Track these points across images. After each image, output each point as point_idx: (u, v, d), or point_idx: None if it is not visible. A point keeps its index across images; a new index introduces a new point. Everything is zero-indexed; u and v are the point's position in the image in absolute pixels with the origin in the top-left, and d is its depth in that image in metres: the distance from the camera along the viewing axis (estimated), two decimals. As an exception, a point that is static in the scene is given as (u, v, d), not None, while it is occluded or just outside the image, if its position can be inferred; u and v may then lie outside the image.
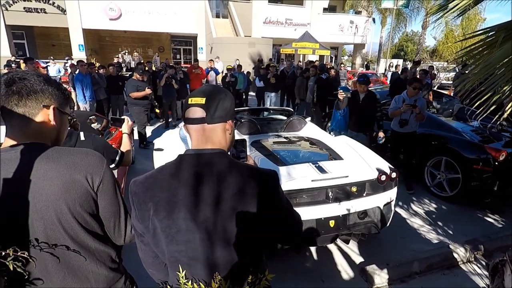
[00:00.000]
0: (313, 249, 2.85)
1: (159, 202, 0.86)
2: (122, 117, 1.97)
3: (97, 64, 8.36)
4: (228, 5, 20.26)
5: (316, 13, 20.75)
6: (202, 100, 0.89)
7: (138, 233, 0.95)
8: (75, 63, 8.22)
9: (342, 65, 12.39)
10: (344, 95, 4.22)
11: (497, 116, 2.50)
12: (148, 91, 5.73)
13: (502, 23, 2.66)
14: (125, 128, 1.92)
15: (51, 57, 13.54)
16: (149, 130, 7.30)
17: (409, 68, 9.00)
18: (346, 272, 2.59)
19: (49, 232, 0.88)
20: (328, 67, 8.97)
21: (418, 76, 6.49)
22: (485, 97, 2.12)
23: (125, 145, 1.85)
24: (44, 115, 0.91)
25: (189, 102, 0.92)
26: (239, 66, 9.65)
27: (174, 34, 20.24)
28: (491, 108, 2.66)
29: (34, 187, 0.85)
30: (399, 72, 9.18)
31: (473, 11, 13.48)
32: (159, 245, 0.90)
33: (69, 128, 1.59)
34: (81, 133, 1.71)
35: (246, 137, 3.69)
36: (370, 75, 16.30)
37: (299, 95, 7.62)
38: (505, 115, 2.17)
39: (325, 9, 21.28)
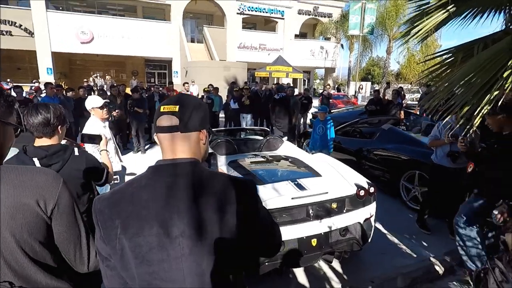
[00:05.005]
0: (296, 270, 2.74)
1: (128, 217, 0.77)
2: (97, 133, 1.91)
3: (65, 87, 8.06)
4: (203, 30, 20.71)
5: (288, 38, 21.71)
6: (175, 108, 0.84)
7: (103, 257, 0.83)
8: (41, 87, 7.89)
9: (329, 86, 12.87)
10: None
11: (466, 130, 2.62)
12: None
13: (459, 45, 2.88)
14: (102, 145, 1.91)
15: (8, 80, 12.85)
16: (126, 155, 6.98)
17: (379, 89, 9.51)
18: (331, 293, 2.50)
19: None
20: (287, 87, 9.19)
21: (391, 97, 6.79)
22: (455, 111, 2.22)
23: (106, 161, 1.83)
24: None
25: (161, 110, 0.86)
26: (216, 89, 9.69)
27: (148, 58, 20.20)
28: (461, 122, 2.80)
29: None
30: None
31: (431, 38, 14.68)
32: (128, 268, 0.78)
33: (64, 142, 1.58)
34: (76, 149, 1.66)
35: (223, 157, 3.62)
36: (341, 97, 17.07)
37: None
38: (474, 127, 2.28)
39: (296, 35, 22.33)
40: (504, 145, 2.44)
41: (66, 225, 0.85)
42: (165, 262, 0.77)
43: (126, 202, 0.79)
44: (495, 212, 2.25)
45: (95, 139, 1.88)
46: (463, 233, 2.57)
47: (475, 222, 2.56)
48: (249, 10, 20.25)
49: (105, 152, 1.87)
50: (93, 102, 3.00)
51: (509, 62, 2.06)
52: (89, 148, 2.54)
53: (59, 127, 1.56)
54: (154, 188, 0.79)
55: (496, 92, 2.09)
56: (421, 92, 12.64)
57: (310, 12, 22.09)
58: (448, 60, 2.86)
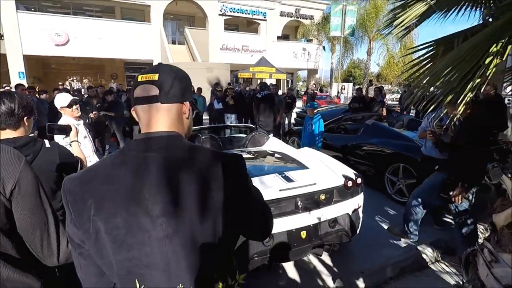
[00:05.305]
0: (285, 265, 2.68)
1: (103, 196, 0.68)
2: (66, 124, 1.79)
3: (39, 89, 7.69)
4: (184, 32, 20.46)
5: (271, 40, 21.80)
6: (154, 76, 0.75)
7: (75, 244, 0.73)
8: (12, 89, 7.48)
9: (314, 86, 13.10)
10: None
11: (449, 120, 2.66)
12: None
13: (439, 38, 2.94)
14: (73, 135, 1.83)
15: None
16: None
17: (361, 87, 9.75)
18: (322, 285, 2.45)
19: None
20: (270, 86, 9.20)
21: (373, 95, 6.92)
22: (439, 101, 2.24)
23: (79, 153, 1.74)
24: None
25: (139, 80, 0.77)
26: (199, 89, 9.55)
27: (128, 61, 19.66)
28: (445, 111, 2.85)
29: None
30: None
31: (409, 40, 15.14)
32: (104, 255, 0.69)
33: (32, 135, 1.50)
34: (46, 141, 1.57)
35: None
36: (324, 97, 17.30)
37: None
38: (458, 116, 2.31)
39: (279, 37, 22.46)
40: (460, 129, 2.64)
41: (29, 208, 0.75)
42: (146, 245, 0.69)
43: (100, 180, 0.70)
44: (451, 193, 2.56)
45: (64, 129, 1.77)
46: (413, 203, 2.98)
47: (430, 194, 2.94)
48: (231, 12, 20.20)
49: (77, 143, 1.75)
50: (60, 101, 2.78)
51: (490, 50, 2.11)
52: (60, 141, 2.39)
53: (25, 118, 1.43)
54: (131, 164, 0.71)
55: (478, 80, 2.13)
56: (400, 92, 13.05)
57: (292, 14, 22.32)
58: (430, 54, 2.92)
